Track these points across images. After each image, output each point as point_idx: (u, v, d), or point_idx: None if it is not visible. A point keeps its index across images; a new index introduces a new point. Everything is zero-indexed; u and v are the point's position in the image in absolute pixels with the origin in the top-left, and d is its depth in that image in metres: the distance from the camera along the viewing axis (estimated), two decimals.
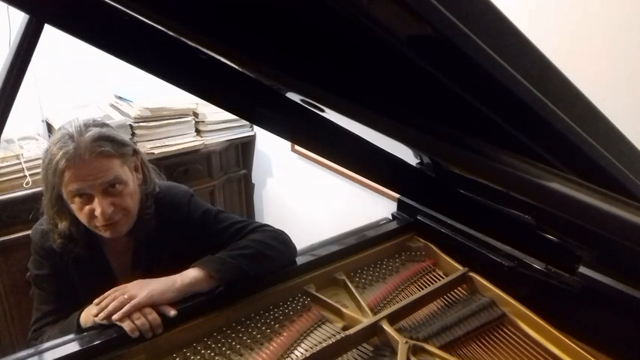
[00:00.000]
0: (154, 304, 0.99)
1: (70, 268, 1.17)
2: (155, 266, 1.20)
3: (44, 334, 1.12)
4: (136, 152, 1.17)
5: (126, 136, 1.17)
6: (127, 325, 0.95)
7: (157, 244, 1.22)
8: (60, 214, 1.11)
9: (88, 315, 1.02)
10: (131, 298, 0.97)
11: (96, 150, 1.04)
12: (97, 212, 1.05)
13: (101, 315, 0.96)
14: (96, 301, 1.01)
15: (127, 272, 1.23)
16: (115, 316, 0.95)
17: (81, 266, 1.17)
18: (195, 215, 1.24)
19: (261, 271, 1.12)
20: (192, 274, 1.05)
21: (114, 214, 1.08)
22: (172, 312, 1.00)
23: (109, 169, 1.06)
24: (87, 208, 1.07)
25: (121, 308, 0.96)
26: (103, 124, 1.12)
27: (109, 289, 1.04)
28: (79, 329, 1.03)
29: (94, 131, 1.06)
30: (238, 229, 1.22)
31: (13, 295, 1.81)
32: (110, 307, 0.96)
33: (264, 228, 1.23)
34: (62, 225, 1.12)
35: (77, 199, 1.07)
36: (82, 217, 1.09)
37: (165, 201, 1.23)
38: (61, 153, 1.03)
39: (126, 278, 1.21)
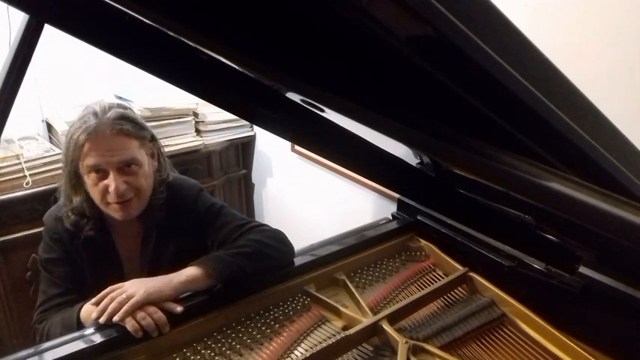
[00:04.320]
0: (152, 302, 0.98)
1: (79, 253, 1.20)
2: (161, 256, 1.23)
3: (47, 320, 1.13)
4: (153, 139, 1.22)
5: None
6: (130, 326, 0.95)
7: (165, 234, 1.25)
8: (76, 189, 1.16)
9: (88, 312, 1.03)
10: (129, 298, 0.97)
11: (117, 127, 1.10)
12: (111, 188, 1.10)
13: (102, 318, 0.96)
14: (93, 300, 1.01)
15: (133, 260, 1.26)
16: (115, 318, 0.95)
17: (90, 251, 1.20)
18: (201, 209, 1.27)
19: (259, 270, 1.13)
20: (189, 271, 1.05)
21: (126, 192, 1.12)
22: (179, 308, 1.00)
23: (127, 147, 1.12)
24: (101, 184, 1.11)
25: (121, 308, 0.96)
26: (126, 107, 1.18)
27: (115, 277, 1.06)
28: (79, 324, 1.04)
29: (117, 111, 1.12)
30: (237, 227, 1.23)
31: (13, 294, 1.81)
32: (110, 309, 0.96)
33: (262, 227, 1.24)
34: (77, 200, 1.16)
35: (93, 175, 1.11)
36: (95, 194, 1.13)
37: (175, 191, 1.27)
38: (82, 127, 1.08)
39: (131, 266, 1.24)
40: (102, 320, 0.96)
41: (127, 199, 1.13)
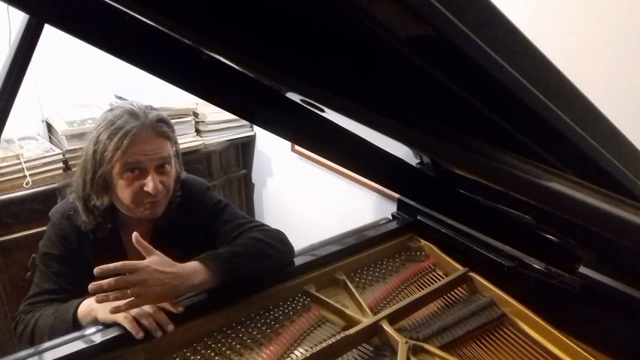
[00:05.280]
0: (151, 304, 0.98)
1: (86, 253, 1.19)
2: (169, 256, 1.21)
3: (36, 311, 1.11)
4: (176, 141, 1.25)
5: None
6: (131, 327, 0.94)
7: (175, 234, 1.25)
8: (99, 192, 1.15)
9: (87, 309, 1.02)
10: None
11: (158, 130, 1.14)
12: (149, 187, 1.12)
13: (99, 297, 0.94)
14: (98, 296, 0.97)
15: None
16: (110, 308, 0.94)
17: (97, 251, 1.19)
18: (208, 206, 1.30)
19: (260, 270, 1.13)
20: (200, 277, 1.02)
21: (162, 191, 1.15)
22: (179, 308, 1.00)
23: (165, 147, 1.16)
24: (137, 183, 1.13)
25: (120, 298, 0.94)
26: (157, 109, 1.21)
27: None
28: (75, 320, 1.02)
29: (156, 113, 1.17)
30: (238, 225, 1.24)
31: (13, 295, 1.81)
32: (112, 297, 0.94)
33: (263, 227, 1.24)
34: (99, 202, 1.15)
35: (129, 174, 1.12)
36: (128, 194, 1.13)
37: (186, 189, 1.29)
38: (125, 128, 1.09)
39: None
40: (98, 300, 0.94)
41: (159, 198, 1.15)
